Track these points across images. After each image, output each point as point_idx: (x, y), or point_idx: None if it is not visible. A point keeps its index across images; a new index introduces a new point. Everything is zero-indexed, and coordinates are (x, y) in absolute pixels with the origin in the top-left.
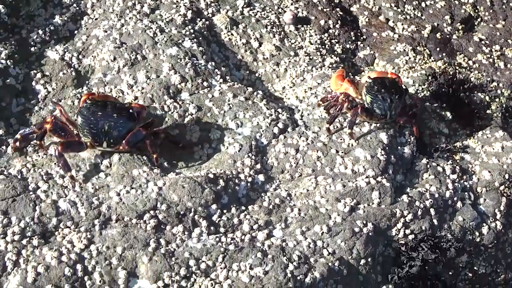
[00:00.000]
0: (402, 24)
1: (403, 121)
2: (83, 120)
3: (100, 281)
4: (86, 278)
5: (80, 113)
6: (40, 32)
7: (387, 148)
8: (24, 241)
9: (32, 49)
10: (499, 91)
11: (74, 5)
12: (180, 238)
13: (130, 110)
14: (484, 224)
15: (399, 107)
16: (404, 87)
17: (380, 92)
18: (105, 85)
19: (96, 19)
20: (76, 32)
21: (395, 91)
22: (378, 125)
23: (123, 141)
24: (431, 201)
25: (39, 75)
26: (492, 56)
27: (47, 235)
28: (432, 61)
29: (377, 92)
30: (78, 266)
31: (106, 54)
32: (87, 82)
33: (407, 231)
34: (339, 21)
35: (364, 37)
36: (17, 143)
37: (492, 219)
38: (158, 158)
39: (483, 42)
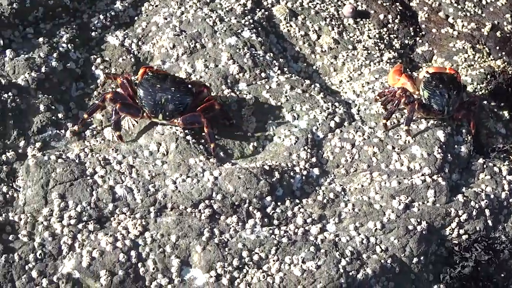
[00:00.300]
0: (462, 21)
1: (461, 117)
2: (143, 91)
3: (153, 269)
4: (140, 265)
5: (141, 85)
6: (101, 17)
7: (444, 146)
8: (80, 226)
9: (93, 34)
10: None
11: None
12: (234, 229)
13: (189, 86)
14: None
15: (457, 103)
16: (462, 83)
17: (438, 87)
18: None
19: (156, 5)
20: (136, 18)
21: (453, 86)
22: (435, 122)
23: (180, 117)
24: (486, 202)
25: (99, 60)
26: None
27: (102, 220)
28: (492, 59)
29: (435, 87)
30: (132, 253)
31: (166, 42)
32: None
33: (461, 231)
34: (398, 16)
35: (423, 33)
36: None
37: None
38: (215, 148)
39: None
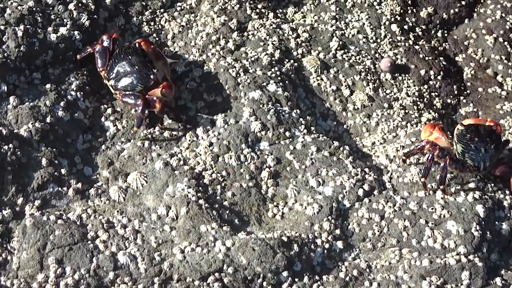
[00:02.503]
0: None
1: (500, 174)
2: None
3: None
4: None
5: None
6: None
7: (483, 222)
8: None
9: (105, 80)
10: None
11: (154, 35)
12: None
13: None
14: None
15: (495, 158)
16: (503, 137)
17: (473, 141)
18: (179, 126)
19: (176, 52)
20: None
21: (490, 140)
22: (475, 195)
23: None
24: None
25: (109, 111)
26: None
27: None
28: None
29: (470, 141)
30: None
31: (184, 93)
32: (159, 121)
33: None
34: (441, 72)
35: (468, 91)
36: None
37: None
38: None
39: None
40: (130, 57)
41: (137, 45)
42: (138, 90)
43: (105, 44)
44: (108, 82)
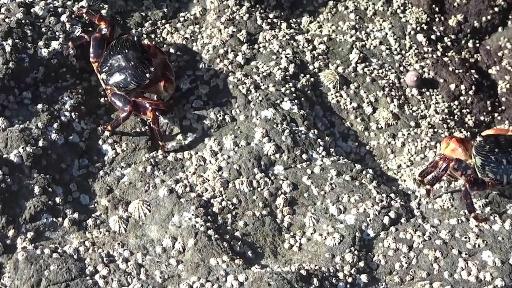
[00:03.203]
0: None
1: None
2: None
3: None
4: None
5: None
6: None
7: None
8: None
9: (102, 100)
10: None
11: None
12: None
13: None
14: None
15: None
16: None
17: (493, 152)
18: (184, 149)
19: (180, 67)
20: None
21: None
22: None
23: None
24: None
25: (107, 133)
26: None
27: None
28: None
29: (489, 153)
30: None
31: (189, 112)
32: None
33: None
34: (473, 87)
35: (503, 107)
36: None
37: None
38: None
39: None
40: (126, 51)
41: (135, 38)
42: (131, 88)
43: (103, 32)
44: (99, 76)
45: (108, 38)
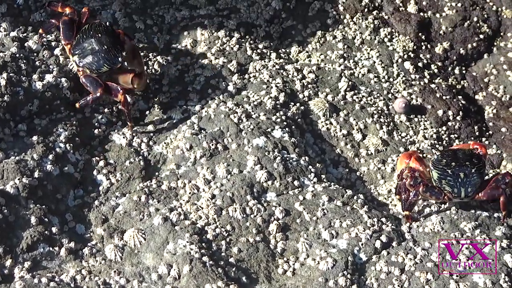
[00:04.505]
0: None
1: (487, 197)
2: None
3: None
4: None
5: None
6: (106, 111)
7: None
8: None
9: (96, 131)
10: None
11: (147, 80)
12: None
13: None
14: None
15: (478, 182)
16: (485, 159)
17: (449, 166)
18: (177, 178)
19: (171, 98)
20: (147, 112)
21: (470, 164)
22: (502, 244)
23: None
24: None
25: (101, 163)
26: None
27: None
28: None
29: (446, 166)
30: None
31: (182, 142)
32: (157, 173)
33: None
34: (460, 112)
35: (490, 132)
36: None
37: None
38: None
39: None
40: (99, 35)
41: (107, 23)
42: (103, 71)
43: (70, 16)
44: (72, 58)
45: (78, 23)
